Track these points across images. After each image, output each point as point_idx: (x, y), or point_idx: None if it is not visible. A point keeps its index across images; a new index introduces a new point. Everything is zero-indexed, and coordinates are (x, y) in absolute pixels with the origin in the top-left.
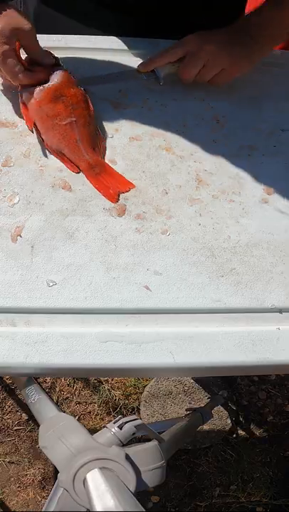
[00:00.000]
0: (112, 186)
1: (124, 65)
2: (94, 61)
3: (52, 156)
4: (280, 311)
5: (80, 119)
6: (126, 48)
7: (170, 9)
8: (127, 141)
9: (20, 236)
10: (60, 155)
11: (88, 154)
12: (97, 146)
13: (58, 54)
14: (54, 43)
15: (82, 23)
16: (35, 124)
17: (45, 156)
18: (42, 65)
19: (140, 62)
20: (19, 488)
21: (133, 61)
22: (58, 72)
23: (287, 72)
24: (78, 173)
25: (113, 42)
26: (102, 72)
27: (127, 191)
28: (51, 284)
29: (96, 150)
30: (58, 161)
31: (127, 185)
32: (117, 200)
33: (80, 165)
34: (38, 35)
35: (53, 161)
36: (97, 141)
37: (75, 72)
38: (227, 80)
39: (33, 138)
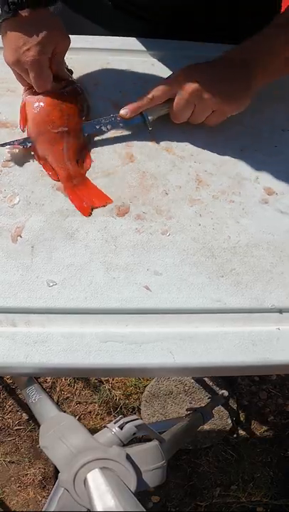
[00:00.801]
0: (87, 200)
1: (125, 65)
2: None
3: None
4: (280, 311)
5: (71, 130)
6: (131, 48)
7: (194, 9)
8: (128, 141)
9: (21, 236)
10: (43, 160)
11: (70, 165)
12: (81, 160)
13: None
14: None
15: (105, 28)
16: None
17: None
18: (60, 77)
19: (124, 107)
20: (19, 488)
21: (135, 62)
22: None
23: None
24: (58, 181)
25: (112, 42)
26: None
27: (103, 206)
28: (51, 284)
29: (79, 163)
30: None
31: (104, 200)
32: (90, 214)
33: (59, 173)
34: None
35: None
36: (82, 155)
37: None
38: (220, 119)
39: None
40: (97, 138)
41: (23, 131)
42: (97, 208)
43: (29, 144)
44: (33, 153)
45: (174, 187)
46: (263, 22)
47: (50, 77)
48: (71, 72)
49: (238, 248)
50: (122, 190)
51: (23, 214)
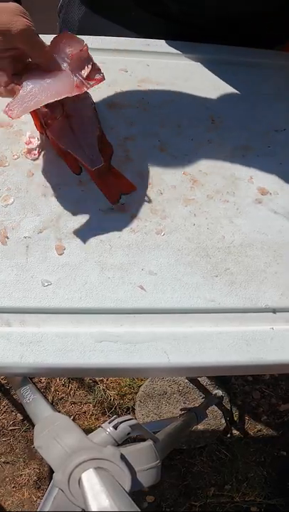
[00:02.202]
0: (115, 187)
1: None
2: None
3: (47, 157)
4: (274, 310)
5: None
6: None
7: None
8: (122, 140)
9: (15, 236)
10: (65, 154)
11: (94, 154)
12: (103, 147)
13: None
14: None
15: (131, 30)
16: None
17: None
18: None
19: None
20: (14, 489)
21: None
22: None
23: (279, 73)
24: (79, 174)
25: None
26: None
27: (128, 193)
28: (46, 284)
29: (102, 151)
30: (53, 161)
31: (129, 187)
32: (118, 200)
33: (86, 163)
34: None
35: (48, 161)
36: (104, 143)
37: None
38: None
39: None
40: None
41: (43, 134)
42: (124, 194)
43: None
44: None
45: (169, 187)
46: None
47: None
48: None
49: (233, 248)
50: None
51: (18, 214)
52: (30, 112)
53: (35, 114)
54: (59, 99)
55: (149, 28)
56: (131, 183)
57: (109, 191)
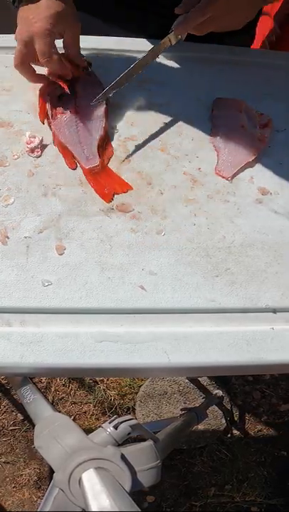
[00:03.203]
0: (108, 186)
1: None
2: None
3: (47, 157)
4: (274, 311)
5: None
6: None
7: None
8: (122, 141)
9: (16, 236)
10: (63, 148)
11: (92, 153)
12: (103, 148)
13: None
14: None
15: (123, 28)
16: (48, 115)
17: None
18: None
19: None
20: (14, 489)
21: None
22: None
23: (279, 73)
24: (75, 169)
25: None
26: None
27: (123, 192)
28: (46, 284)
29: (100, 151)
30: (53, 161)
31: (124, 187)
32: (111, 199)
33: (81, 161)
34: None
35: (48, 161)
36: (104, 143)
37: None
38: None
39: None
40: None
41: (43, 122)
42: (118, 194)
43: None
44: (53, 141)
45: (169, 187)
46: None
47: (54, 48)
48: (90, 64)
49: (233, 248)
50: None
51: (18, 214)
52: (39, 101)
53: (44, 103)
54: None
55: (147, 28)
56: (125, 182)
57: (102, 190)
